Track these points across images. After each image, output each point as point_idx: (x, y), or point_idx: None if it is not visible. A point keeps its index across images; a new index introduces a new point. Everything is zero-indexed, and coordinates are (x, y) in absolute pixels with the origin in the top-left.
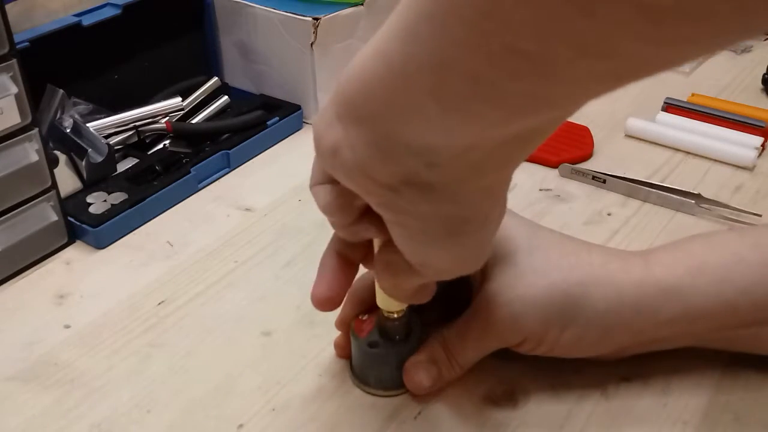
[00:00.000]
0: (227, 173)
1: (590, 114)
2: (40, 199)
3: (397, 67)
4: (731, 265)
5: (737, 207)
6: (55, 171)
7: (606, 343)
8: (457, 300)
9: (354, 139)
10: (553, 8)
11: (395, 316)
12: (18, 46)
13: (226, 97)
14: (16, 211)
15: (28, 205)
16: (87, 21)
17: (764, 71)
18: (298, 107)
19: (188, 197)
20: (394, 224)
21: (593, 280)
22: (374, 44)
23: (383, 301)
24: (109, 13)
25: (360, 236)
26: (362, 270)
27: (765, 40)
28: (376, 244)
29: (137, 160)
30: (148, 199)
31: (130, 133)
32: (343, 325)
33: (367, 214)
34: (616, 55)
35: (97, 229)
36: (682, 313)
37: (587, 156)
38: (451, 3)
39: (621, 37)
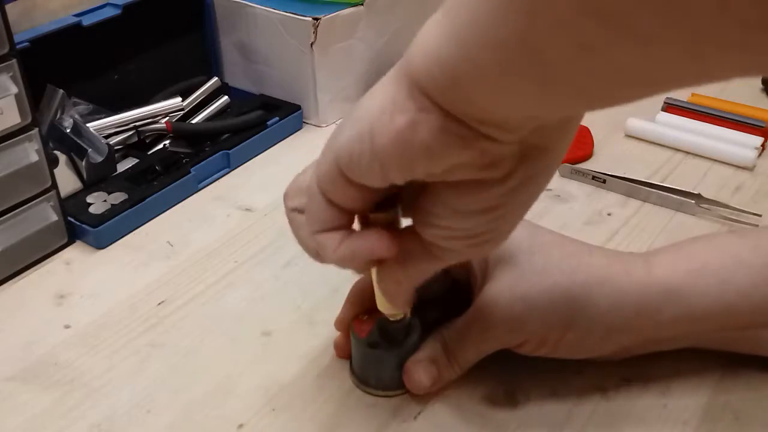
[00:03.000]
0: (227, 173)
1: (590, 114)
2: (40, 199)
3: (488, 59)
4: (732, 267)
5: (737, 207)
6: (55, 171)
7: (607, 343)
8: (458, 300)
9: (433, 118)
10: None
11: (397, 318)
12: (18, 46)
13: (226, 97)
14: (16, 211)
15: (28, 205)
16: (87, 21)
17: None
18: (298, 107)
19: (188, 197)
20: (463, 189)
21: (595, 281)
22: (450, 27)
23: (383, 304)
24: (109, 13)
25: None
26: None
27: None
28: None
29: (137, 160)
30: (148, 199)
31: (130, 133)
32: (343, 325)
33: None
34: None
35: (97, 229)
36: (683, 314)
37: (587, 156)
38: None
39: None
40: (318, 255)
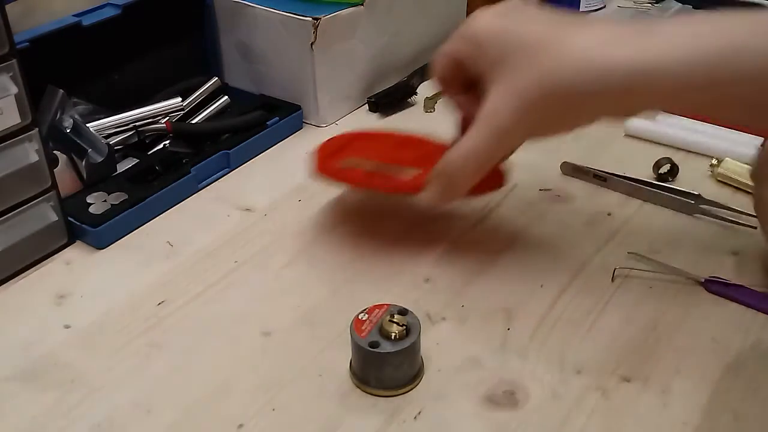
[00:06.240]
0: (227, 173)
1: None
2: (40, 199)
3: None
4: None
5: (737, 208)
6: (55, 171)
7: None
8: None
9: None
10: None
11: (395, 319)
12: (18, 46)
13: (226, 97)
14: (16, 211)
15: (28, 205)
16: (87, 21)
17: None
18: (298, 107)
19: (188, 197)
20: None
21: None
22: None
23: None
24: (109, 13)
25: None
26: None
27: None
28: None
29: (137, 160)
30: (148, 199)
31: (130, 133)
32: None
33: None
34: None
35: (97, 229)
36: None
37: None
38: None
39: None
40: None
